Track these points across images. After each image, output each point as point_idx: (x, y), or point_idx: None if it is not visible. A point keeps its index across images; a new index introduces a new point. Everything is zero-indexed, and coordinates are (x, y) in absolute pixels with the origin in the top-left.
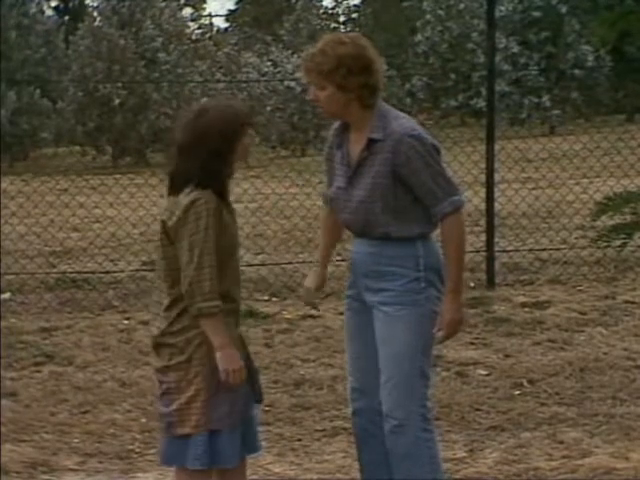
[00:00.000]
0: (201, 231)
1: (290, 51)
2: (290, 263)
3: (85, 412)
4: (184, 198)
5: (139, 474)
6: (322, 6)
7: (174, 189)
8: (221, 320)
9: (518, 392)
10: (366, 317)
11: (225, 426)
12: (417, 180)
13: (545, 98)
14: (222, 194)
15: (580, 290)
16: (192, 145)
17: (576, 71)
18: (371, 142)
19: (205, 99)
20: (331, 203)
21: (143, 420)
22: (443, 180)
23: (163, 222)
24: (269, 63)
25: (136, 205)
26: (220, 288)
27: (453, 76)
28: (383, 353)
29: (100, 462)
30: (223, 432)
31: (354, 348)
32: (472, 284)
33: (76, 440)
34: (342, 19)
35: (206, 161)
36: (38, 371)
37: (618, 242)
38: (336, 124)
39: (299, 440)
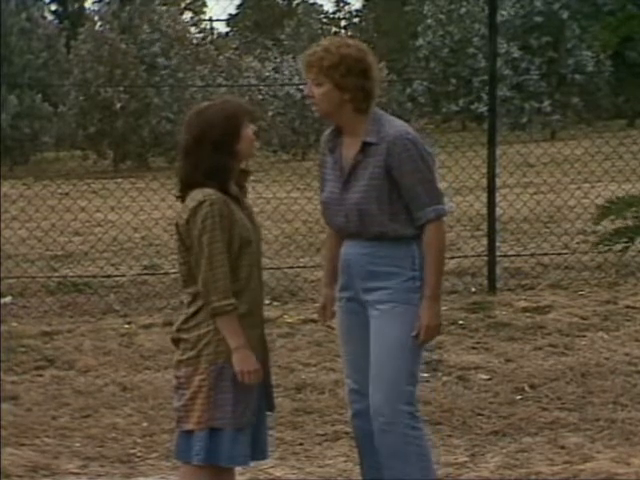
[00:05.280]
0: (208, 232)
1: (291, 55)
2: (291, 267)
3: (86, 416)
4: (190, 201)
5: (140, 478)
6: (323, 10)
7: (183, 192)
8: (236, 320)
9: (519, 397)
10: (363, 317)
11: (227, 426)
12: (405, 183)
13: (546, 103)
14: (228, 189)
15: (581, 295)
16: (196, 142)
17: (577, 76)
18: (366, 145)
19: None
20: (323, 209)
21: (144, 424)
22: (430, 187)
23: (177, 227)
24: (270, 67)
25: (137, 209)
26: (234, 286)
27: (454, 81)
28: (375, 348)
29: (101, 466)
30: (225, 431)
31: (350, 349)
32: (473, 289)
33: (77, 444)
34: (343, 24)
35: (212, 156)
36: (39, 375)
37: (620, 247)
38: (328, 130)
39: (300, 444)
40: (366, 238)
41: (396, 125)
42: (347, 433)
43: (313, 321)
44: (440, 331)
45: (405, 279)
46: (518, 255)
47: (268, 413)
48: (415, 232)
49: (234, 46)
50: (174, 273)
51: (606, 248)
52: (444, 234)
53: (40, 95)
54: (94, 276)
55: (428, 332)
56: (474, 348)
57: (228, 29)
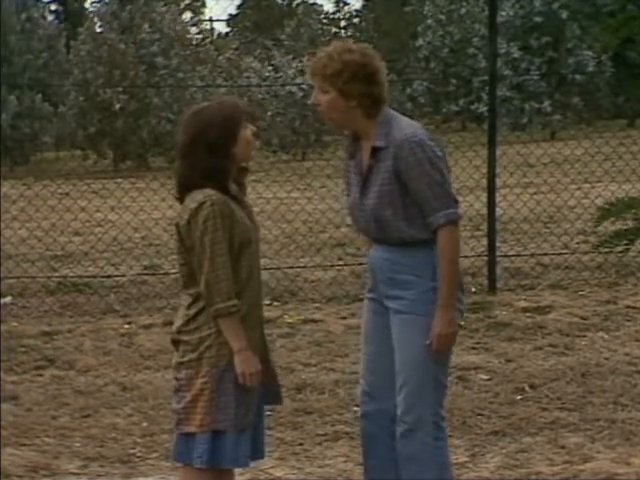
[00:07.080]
0: (210, 233)
1: (291, 56)
2: (291, 267)
3: (86, 416)
4: (191, 202)
5: (140, 478)
6: (323, 11)
7: (182, 194)
8: (239, 321)
9: (520, 397)
10: (386, 319)
11: (230, 428)
12: (414, 187)
13: (546, 103)
14: (227, 189)
15: (582, 295)
16: (192, 143)
17: (577, 76)
18: (375, 150)
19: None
20: (349, 214)
21: (144, 424)
22: (440, 190)
23: (177, 228)
24: (270, 68)
25: (137, 209)
26: (234, 287)
27: (454, 81)
28: (399, 358)
29: (101, 466)
30: (227, 433)
31: (370, 350)
32: (474, 289)
33: (77, 444)
34: (343, 24)
35: (208, 157)
36: (39, 375)
37: (620, 247)
38: (349, 134)
39: (300, 444)
40: (388, 243)
41: (403, 127)
42: (347, 433)
43: (313, 321)
44: (455, 339)
45: (425, 290)
46: (518, 255)
47: (268, 414)
48: (434, 236)
49: (234, 46)
50: (174, 273)
51: (606, 249)
52: (457, 240)
53: (40, 95)
54: (94, 276)
55: (441, 341)
56: (474, 348)
57: (228, 29)
